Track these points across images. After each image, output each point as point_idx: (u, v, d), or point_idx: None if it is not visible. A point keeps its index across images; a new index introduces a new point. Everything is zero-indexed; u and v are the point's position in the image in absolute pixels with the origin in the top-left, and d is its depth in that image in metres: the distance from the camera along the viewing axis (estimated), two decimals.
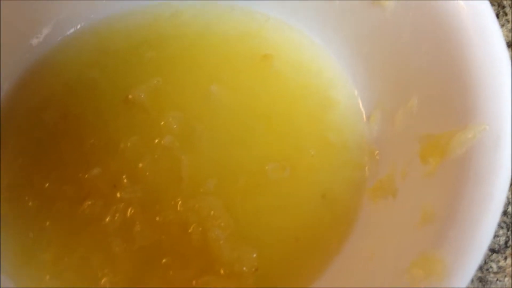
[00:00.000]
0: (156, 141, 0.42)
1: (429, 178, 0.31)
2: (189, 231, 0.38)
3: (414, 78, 0.37)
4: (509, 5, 0.51)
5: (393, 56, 0.39)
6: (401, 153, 0.36)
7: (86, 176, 0.40)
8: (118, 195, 0.39)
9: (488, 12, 0.31)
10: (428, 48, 0.34)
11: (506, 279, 0.42)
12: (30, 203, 0.39)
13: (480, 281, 0.42)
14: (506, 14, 0.51)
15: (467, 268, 0.25)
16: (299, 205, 0.39)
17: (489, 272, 0.42)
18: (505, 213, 0.44)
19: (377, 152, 0.39)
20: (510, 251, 0.43)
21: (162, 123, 0.43)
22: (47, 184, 0.40)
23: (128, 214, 0.39)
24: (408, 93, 0.37)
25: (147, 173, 0.40)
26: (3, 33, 0.42)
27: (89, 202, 0.39)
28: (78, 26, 0.47)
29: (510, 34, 0.50)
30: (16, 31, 0.44)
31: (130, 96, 0.44)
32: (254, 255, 0.37)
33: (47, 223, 0.39)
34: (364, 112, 0.42)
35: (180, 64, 0.46)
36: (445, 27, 0.33)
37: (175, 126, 0.42)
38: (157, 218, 0.38)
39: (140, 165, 0.41)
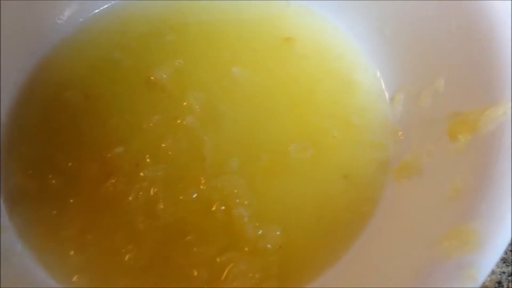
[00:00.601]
0: (178, 121, 0.42)
1: (458, 154, 0.31)
2: (212, 209, 0.38)
3: (440, 58, 0.37)
4: None
5: (417, 37, 0.39)
6: (426, 132, 0.36)
7: (109, 155, 0.40)
8: (141, 174, 0.39)
9: None
10: (456, 26, 0.34)
11: None
12: (54, 181, 0.40)
13: None
14: None
15: (501, 238, 0.25)
16: (321, 185, 0.39)
17: None
18: None
19: (401, 132, 0.39)
20: None
21: (184, 104, 0.43)
22: (70, 163, 0.40)
23: (151, 192, 0.39)
24: (434, 73, 0.37)
25: (170, 153, 0.40)
26: (28, 13, 0.42)
27: (113, 180, 0.39)
28: (101, 8, 0.47)
29: None
30: (39, 12, 0.44)
31: (152, 77, 0.44)
32: (278, 233, 0.37)
33: (71, 200, 0.39)
34: (387, 93, 0.42)
35: (201, 47, 0.46)
36: (474, 5, 0.33)
37: (197, 107, 0.42)
38: (180, 197, 0.38)
39: (163, 144, 0.41)
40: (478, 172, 0.28)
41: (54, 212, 0.38)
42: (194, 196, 0.39)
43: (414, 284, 0.26)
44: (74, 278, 0.36)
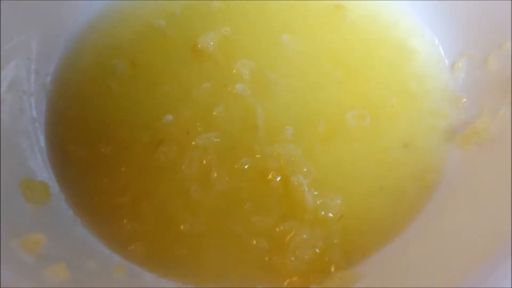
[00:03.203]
0: (229, 89, 0.40)
1: None
2: (269, 177, 0.37)
3: (505, 19, 0.35)
4: None
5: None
6: (496, 96, 0.35)
7: (159, 123, 0.39)
8: (192, 142, 0.38)
9: None
10: None
11: None
12: (103, 149, 0.38)
13: None
14: None
15: None
16: (381, 154, 0.38)
17: None
18: None
19: (464, 99, 0.38)
20: None
21: (233, 72, 0.41)
22: (120, 131, 0.39)
23: (204, 161, 0.37)
24: (501, 37, 0.36)
25: (221, 121, 0.39)
26: None
27: (164, 149, 0.38)
28: None
29: None
30: None
31: (198, 45, 0.42)
32: (338, 202, 0.35)
33: (122, 169, 0.38)
34: (446, 60, 0.40)
35: (248, 14, 0.45)
36: None
37: (247, 75, 0.41)
38: (235, 166, 0.37)
39: (214, 113, 0.39)
40: None
41: (105, 180, 0.37)
42: (249, 165, 0.37)
43: (507, 248, 0.24)
44: (131, 247, 0.34)
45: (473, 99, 0.37)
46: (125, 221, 0.36)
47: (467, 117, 0.37)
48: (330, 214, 0.35)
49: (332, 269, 0.33)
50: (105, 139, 0.39)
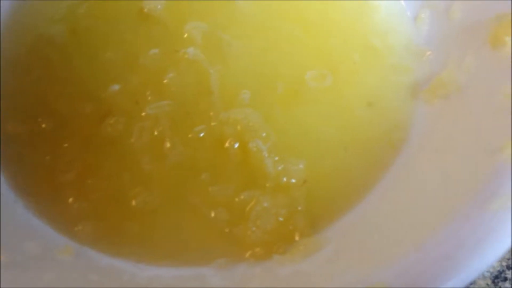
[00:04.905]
0: (179, 54, 0.37)
1: (506, 60, 0.28)
2: (226, 145, 0.34)
3: None
4: None
5: None
6: (461, 46, 0.33)
7: (104, 93, 0.36)
8: (142, 113, 0.35)
9: None
10: None
11: None
12: (44, 125, 0.35)
13: None
14: None
15: None
16: (344, 114, 0.36)
17: None
18: None
19: (429, 52, 0.36)
20: None
21: (184, 36, 0.38)
22: (62, 104, 0.36)
23: (156, 131, 0.35)
24: None
25: (173, 88, 0.36)
26: None
27: (110, 121, 0.35)
28: None
29: None
30: None
31: (144, 9, 0.39)
32: (301, 166, 0.33)
33: (65, 144, 0.35)
34: (409, 13, 0.38)
35: None
36: None
37: (198, 38, 0.38)
38: (189, 134, 0.34)
39: (165, 80, 0.36)
40: None
41: (48, 157, 0.34)
42: (204, 133, 0.34)
43: (479, 198, 0.23)
44: (77, 227, 0.31)
45: (437, 51, 0.35)
46: (71, 199, 0.33)
47: (432, 70, 0.35)
48: (293, 180, 0.33)
49: (297, 238, 0.31)
50: (46, 114, 0.36)
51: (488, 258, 0.20)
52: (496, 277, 0.34)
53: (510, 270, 0.34)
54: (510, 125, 0.25)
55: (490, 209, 0.22)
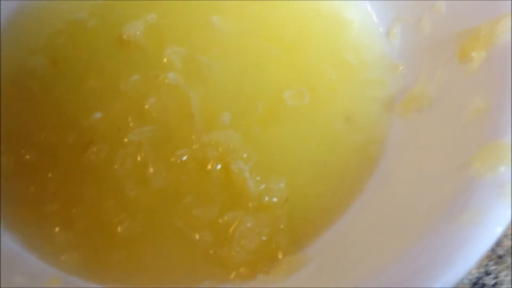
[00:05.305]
0: (159, 79, 0.38)
1: (473, 74, 0.29)
2: (208, 167, 0.35)
3: None
4: None
5: None
6: (431, 60, 0.34)
7: (87, 122, 0.36)
8: (125, 139, 0.36)
9: None
10: None
11: None
12: (28, 156, 0.36)
13: None
14: None
15: None
16: (322, 130, 0.36)
17: None
18: None
19: (402, 67, 0.37)
20: None
21: (164, 61, 0.39)
22: (44, 135, 0.36)
23: (139, 157, 0.35)
24: None
25: (154, 113, 0.37)
26: None
27: (94, 149, 0.35)
28: None
29: None
30: None
31: (124, 36, 0.40)
32: (282, 185, 0.34)
33: (49, 174, 0.35)
34: (381, 28, 0.39)
35: None
36: None
37: (177, 62, 0.39)
38: (171, 159, 0.35)
39: (146, 106, 0.37)
40: (500, 86, 0.26)
41: (32, 189, 0.34)
42: (187, 156, 0.35)
43: (449, 213, 0.23)
44: (64, 257, 0.32)
45: (410, 65, 0.36)
46: (57, 229, 0.33)
47: (405, 84, 0.36)
48: (275, 199, 0.33)
49: (280, 256, 0.31)
50: (29, 145, 0.36)
51: (457, 271, 0.21)
52: (475, 283, 0.34)
53: (488, 276, 0.35)
54: (477, 139, 0.25)
55: (459, 223, 0.23)
